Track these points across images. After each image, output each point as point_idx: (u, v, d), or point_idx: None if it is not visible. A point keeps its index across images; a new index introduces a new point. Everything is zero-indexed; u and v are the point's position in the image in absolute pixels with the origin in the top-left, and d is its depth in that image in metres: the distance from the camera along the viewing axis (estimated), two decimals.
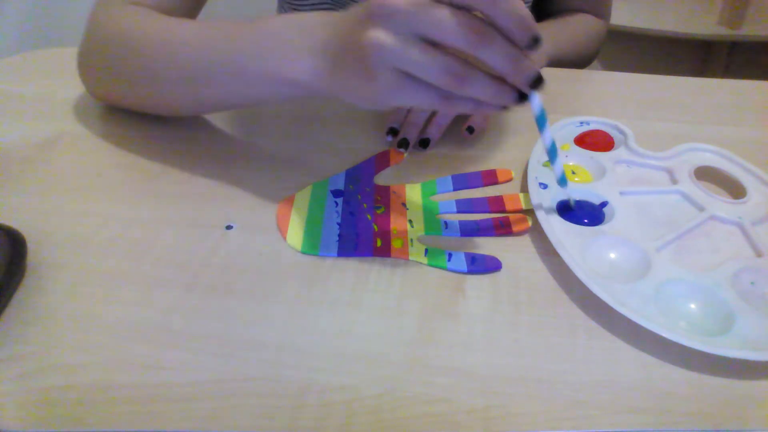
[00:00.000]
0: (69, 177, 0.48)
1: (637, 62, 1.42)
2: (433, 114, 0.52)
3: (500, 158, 0.51)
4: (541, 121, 0.38)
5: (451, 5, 0.32)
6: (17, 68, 0.64)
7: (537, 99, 0.36)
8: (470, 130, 0.52)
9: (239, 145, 0.52)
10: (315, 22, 0.39)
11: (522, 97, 0.35)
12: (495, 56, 0.33)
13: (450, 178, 0.49)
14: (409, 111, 0.53)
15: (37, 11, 1.18)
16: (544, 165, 0.49)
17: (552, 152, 0.41)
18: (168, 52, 0.46)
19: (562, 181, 0.43)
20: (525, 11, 0.32)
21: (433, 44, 0.33)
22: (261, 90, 0.43)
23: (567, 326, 0.37)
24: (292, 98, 0.43)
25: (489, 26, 0.33)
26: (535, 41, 0.33)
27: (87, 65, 0.52)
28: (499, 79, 0.35)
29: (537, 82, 0.35)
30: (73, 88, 0.59)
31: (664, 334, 0.35)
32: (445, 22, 0.32)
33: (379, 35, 0.33)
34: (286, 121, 0.55)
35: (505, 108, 0.36)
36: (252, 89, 0.43)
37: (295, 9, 0.69)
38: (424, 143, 0.51)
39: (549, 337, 0.37)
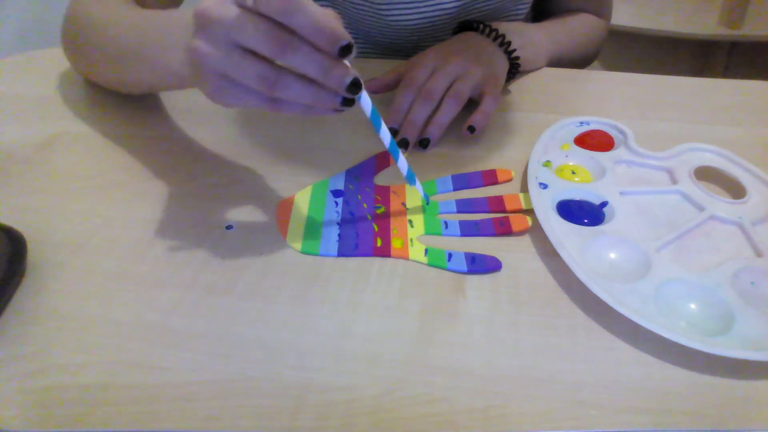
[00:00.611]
0: (69, 177, 0.48)
1: (637, 62, 1.42)
2: (434, 114, 0.52)
3: (500, 158, 0.51)
4: (375, 122, 0.40)
5: (259, 15, 0.34)
6: (17, 68, 0.64)
7: (366, 100, 0.38)
8: (471, 129, 0.52)
9: (239, 145, 0.52)
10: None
11: (347, 101, 0.37)
12: (300, 64, 0.35)
13: (450, 178, 0.49)
14: (408, 111, 0.53)
15: (37, 11, 1.18)
16: (544, 165, 0.49)
17: (393, 151, 0.42)
18: (101, 33, 0.50)
19: (410, 179, 0.43)
20: (325, 21, 0.34)
21: (252, 51, 0.35)
22: (156, 75, 0.45)
23: (567, 326, 0.37)
24: (181, 87, 0.44)
25: (292, 35, 0.34)
26: (345, 49, 0.35)
27: (63, 44, 0.58)
28: (318, 83, 0.36)
29: (353, 87, 0.36)
30: (73, 88, 0.59)
31: (663, 334, 0.35)
32: (248, 30, 0.34)
33: (199, 45, 0.36)
34: (286, 121, 0.55)
35: (337, 111, 0.38)
36: (150, 74, 0.46)
37: None
38: (423, 143, 0.51)
39: (549, 337, 0.37)
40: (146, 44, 0.44)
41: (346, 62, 0.36)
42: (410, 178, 0.44)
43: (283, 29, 0.34)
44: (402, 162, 0.43)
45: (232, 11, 0.35)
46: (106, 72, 0.53)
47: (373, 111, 0.39)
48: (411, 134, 0.52)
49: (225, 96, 0.37)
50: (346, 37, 0.35)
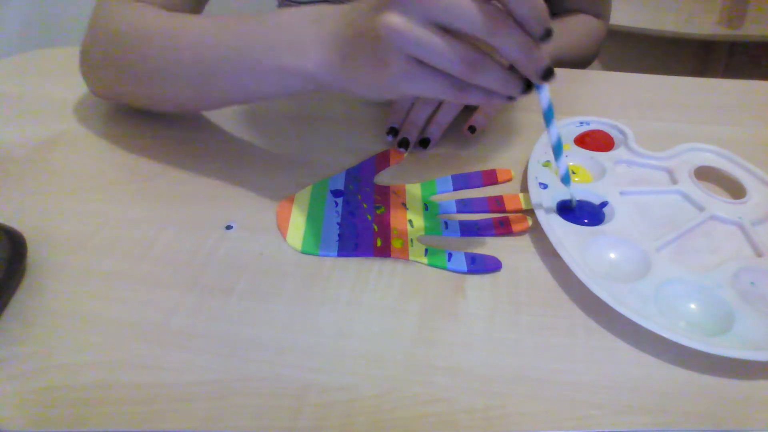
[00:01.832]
0: (69, 177, 0.48)
1: (637, 62, 1.42)
2: (434, 113, 0.52)
3: (500, 158, 0.51)
4: (548, 115, 0.38)
5: None
6: (17, 68, 0.64)
7: (546, 92, 0.37)
8: (472, 129, 0.52)
9: (239, 145, 0.52)
10: (325, 14, 0.39)
11: (528, 87, 0.36)
12: (509, 45, 0.33)
13: (450, 177, 0.49)
14: (409, 110, 0.52)
15: (37, 11, 1.18)
16: (544, 165, 0.49)
17: (557, 149, 0.41)
18: (175, 48, 0.45)
19: (566, 179, 0.43)
20: (541, 3, 0.33)
21: (448, 32, 0.33)
22: (271, 84, 0.42)
23: (567, 326, 0.37)
24: (301, 92, 0.43)
25: (505, 14, 0.33)
26: (548, 33, 0.33)
27: (89, 62, 0.52)
28: (510, 69, 0.35)
29: (548, 73, 0.35)
30: (73, 88, 0.59)
31: (663, 334, 0.35)
32: (461, 8, 0.32)
33: (395, 20, 0.33)
34: (286, 121, 0.55)
35: (511, 99, 0.36)
36: (261, 83, 0.43)
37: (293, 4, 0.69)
38: (424, 143, 0.51)
39: (549, 337, 0.37)
40: (266, 49, 0.41)
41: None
42: (566, 179, 0.43)
43: (495, 8, 0.33)
44: (562, 162, 0.42)
45: None
46: (174, 89, 0.47)
47: (549, 104, 0.38)
48: (412, 134, 0.52)
49: (411, 80, 0.35)
50: (550, 21, 0.33)
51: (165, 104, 0.51)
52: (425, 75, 0.34)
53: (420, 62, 0.34)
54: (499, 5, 0.33)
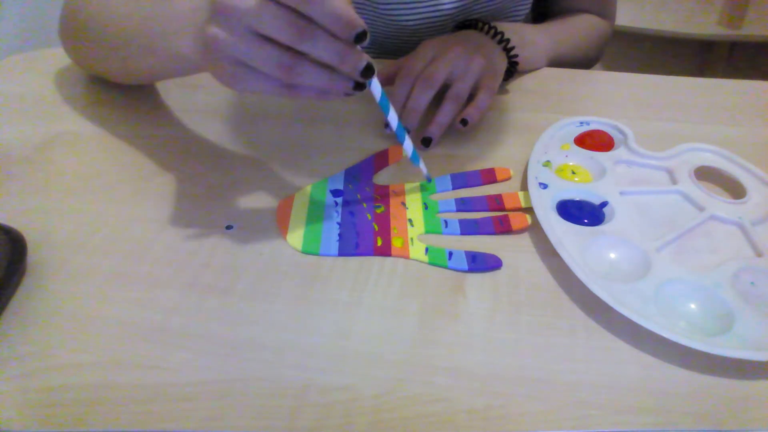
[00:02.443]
0: (69, 177, 0.48)
1: (637, 62, 1.42)
2: (434, 112, 0.52)
3: (500, 157, 0.51)
4: (384, 106, 0.42)
5: (278, 3, 0.35)
6: (17, 68, 0.64)
7: (376, 85, 0.40)
8: (464, 122, 0.52)
9: (239, 145, 0.52)
10: (201, 6, 0.41)
11: (358, 85, 0.39)
12: (317, 50, 0.36)
13: (449, 176, 0.49)
14: (407, 99, 0.52)
15: (37, 11, 1.17)
16: (544, 165, 0.49)
17: (400, 133, 0.44)
18: (104, 21, 0.50)
19: (414, 158, 0.45)
20: (343, 10, 0.35)
21: (269, 38, 0.36)
22: (163, 61, 0.46)
23: (567, 326, 0.37)
24: (191, 72, 0.45)
25: (310, 23, 0.35)
26: (360, 36, 0.36)
27: (62, 35, 0.57)
28: (331, 68, 0.37)
29: (366, 71, 0.38)
30: (73, 88, 0.59)
31: (664, 334, 0.35)
32: (267, 18, 0.35)
33: (215, 31, 0.36)
34: (285, 121, 0.55)
35: (350, 94, 0.39)
36: (156, 60, 0.46)
37: None
38: (425, 142, 0.51)
39: (549, 337, 0.37)
40: (152, 31, 0.45)
41: (359, 48, 0.37)
42: (414, 158, 0.46)
43: (301, 17, 0.35)
44: (408, 144, 0.45)
45: (251, 0, 0.35)
46: (109, 63, 0.53)
47: (382, 95, 0.41)
48: (411, 121, 0.51)
49: (240, 82, 0.38)
50: (361, 24, 0.36)
51: (109, 76, 0.56)
52: (251, 77, 0.37)
53: (246, 65, 0.37)
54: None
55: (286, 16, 0.35)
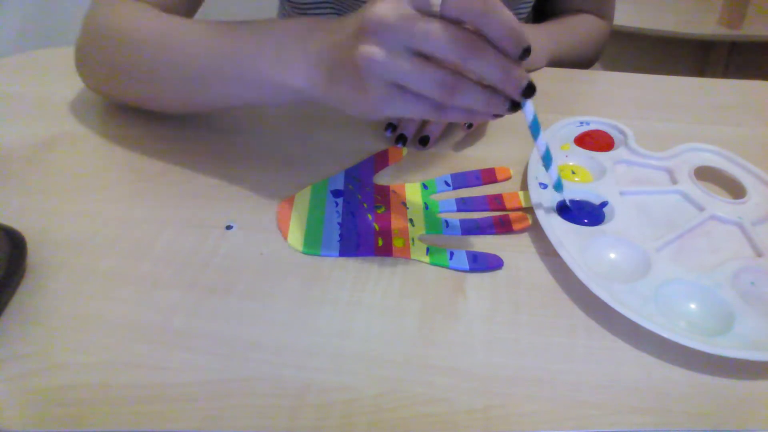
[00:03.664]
0: (69, 177, 0.48)
1: (637, 62, 1.42)
2: None
3: (500, 157, 0.51)
4: (534, 129, 0.39)
5: (442, 18, 0.33)
6: (17, 68, 0.64)
7: (530, 107, 0.37)
8: (468, 125, 0.52)
9: (239, 145, 0.52)
10: (312, 30, 0.40)
11: (514, 106, 0.36)
12: (486, 67, 0.34)
13: (450, 176, 0.49)
14: None
15: (37, 11, 1.18)
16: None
17: (547, 159, 0.41)
18: (166, 50, 0.46)
19: (558, 186, 0.43)
20: (515, 22, 0.33)
21: (426, 56, 0.34)
22: (259, 93, 0.43)
23: (567, 326, 0.37)
24: (290, 102, 0.44)
25: (479, 38, 0.33)
26: (526, 52, 0.34)
27: (84, 59, 0.52)
28: (490, 88, 0.35)
29: (528, 90, 0.35)
30: (73, 88, 0.59)
31: (664, 334, 0.35)
32: (434, 35, 0.33)
33: (371, 50, 0.34)
34: (285, 121, 0.55)
35: (497, 116, 0.37)
36: (249, 92, 0.44)
37: (295, 7, 0.69)
38: (424, 141, 0.51)
39: (549, 337, 0.37)
40: (254, 60, 0.41)
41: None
42: (546, 159, 0.42)
43: (468, 32, 0.33)
44: (553, 170, 0.42)
45: (411, 16, 0.33)
46: (162, 91, 0.48)
47: (534, 117, 0.38)
48: (409, 129, 0.51)
49: (391, 104, 0.36)
50: (528, 39, 0.34)
51: (154, 104, 0.52)
52: (405, 99, 0.35)
53: (400, 87, 0.35)
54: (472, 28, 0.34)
55: (452, 32, 0.33)
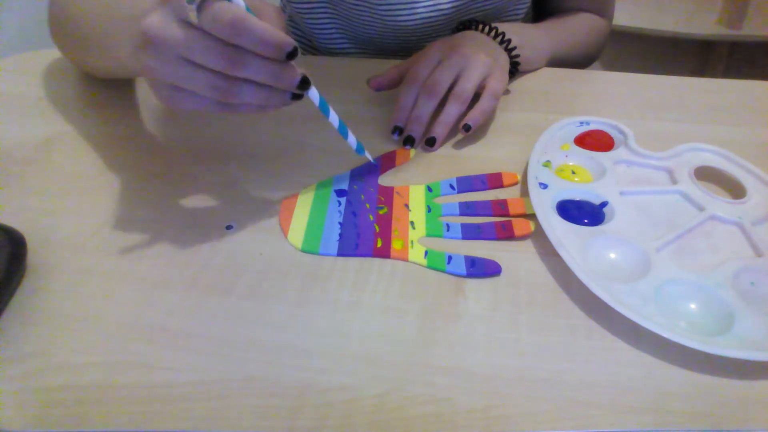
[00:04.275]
0: (69, 177, 0.48)
1: (637, 62, 1.42)
2: (438, 112, 0.52)
3: (500, 157, 0.51)
4: (324, 109, 0.43)
5: (206, 33, 0.35)
6: (17, 68, 0.64)
7: (314, 92, 0.41)
8: (466, 127, 0.51)
9: (239, 145, 0.52)
10: (137, 16, 0.41)
11: (296, 96, 0.40)
12: (252, 74, 0.37)
13: (455, 180, 0.48)
14: (412, 107, 0.52)
15: (37, 11, 1.17)
16: (544, 165, 0.49)
17: (342, 131, 0.45)
18: (70, 20, 0.51)
19: (360, 150, 0.47)
20: (270, 34, 0.35)
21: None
22: (118, 63, 0.46)
23: (567, 326, 0.37)
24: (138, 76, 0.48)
25: (239, 50, 0.36)
26: (291, 54, 0.37)
27: (51, 29, 0.57)
28: (269, 86, 0.38)
29: (303, 84, 0.39)
30: (73, 88, 0.59)
31: (664, 334, 0.35)
32: (199, 49, 0.35)
33: (147, 60, 0.36)
34: (286, 120, 0.55)
35: (287, 104, 0.40)
36: (115, 61, 0.47)
37: (295, 7, 0.69)
38: (430, 142, 0.51)
39: (549, 337, 0.37)
40: (104, 33, 0.46)
41: (292, 64, 0.38)
42: (360, 150, 0.47)
43: (231, 45, 0.35)
44: (351, 139, 0.46)
45: (177, 30, 0.35)
46: (85, 57, 0.54)
47: (321, 100, 0.42)
48: (416, 130, 0.52)
49: (177, 102, 0.38)
50: (291, 42, 0.36)
51: (94, 71, 0.56)
52: (188, 98, 0.38)
53: (180, 88, 0.37)
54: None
55: (215, 46, 0.35)
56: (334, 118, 0.44)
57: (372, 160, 0.49)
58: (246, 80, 0.37)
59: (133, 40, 0.38)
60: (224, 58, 0.36)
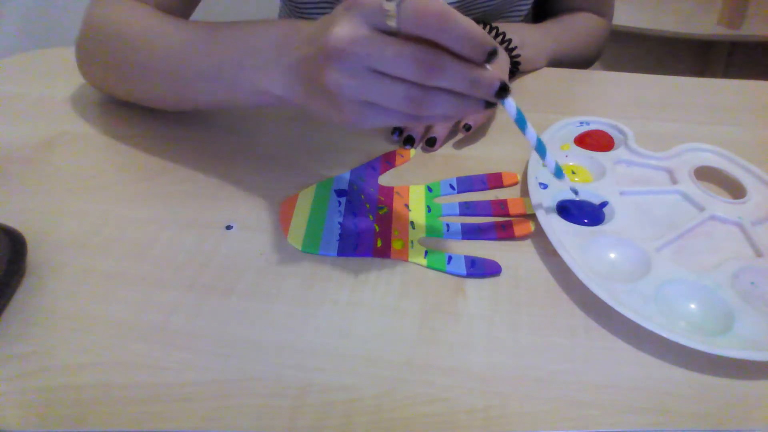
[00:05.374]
0: (69, 177, 0.48)
1: (637, 62, 1.42)
2: None
3: (500, 157, 0.51)
4: (520, 123, 0.39)
5: (400, 36, 0.33)
6: (17, 68, 0.64)
7: (510, 103, 0.37)
8: (467, 127, 0.52)
9: (240, 144, 0.52)
10: (288, 38, 0.40)
11: (490, 104, 0.36)
12: (449, 81, 0.34)
13: (455, 180, 0.48)
14: None
15: (37, 11, 1.18)
16: (544, 165, 0.49)
17: (540, 149, 0.41)
18: (154, 49, 0.47)
19: (558, 173, 0.42)
20: (474, 29, 0.32)
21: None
22: (240, 95, 0.44)
23: (567, 326, 0.37)
24: (273, 105, 0.44)
25: (439, 52, 0.33)
26: (491, 55, 0.33)
27: (82, 56, 0.54)
28: (464, 94, 0.35)
29: (501, 92, 0.35)
30: (73, 88, 0.59)
31: (664, 334, 0.35)
32: (392, 57, 0.33)
33: (337, 77, 0.34)
34: (287, 120, 0.55)
35: (478, 113, 0.37)
36: (231, 94, 0.44)
37: (296, 8, 0.69)
38: (431, 142, 0.51)
39: (549, 337, 0.37)
40: (233, 64, 0.42)
41: (489, 68, 0.34)
42: (540, 149, 0.41)
43: (426, 48, 0.33)
44: (549, 161, 0.42)
45: (369, 39, 0.33)
46: (153, 89, 0.50)
47: (518, 112, 0.38)
48: (417, 130, 0.52)
49: (367, 120, 0.36)
50: (492, 41, 0.33)
51: (145, 101, 0.53)
52: (378, 113, 0.36)
53: (372, 103, 0.35)
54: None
55: (409, 51, 0.33)
56: (531, 136, 0.39)
57: (570, 187, 0.44)
58: (440, 89, 0.34)
59: (284, 66, 0.36)
60: (421, 66, 0.33)
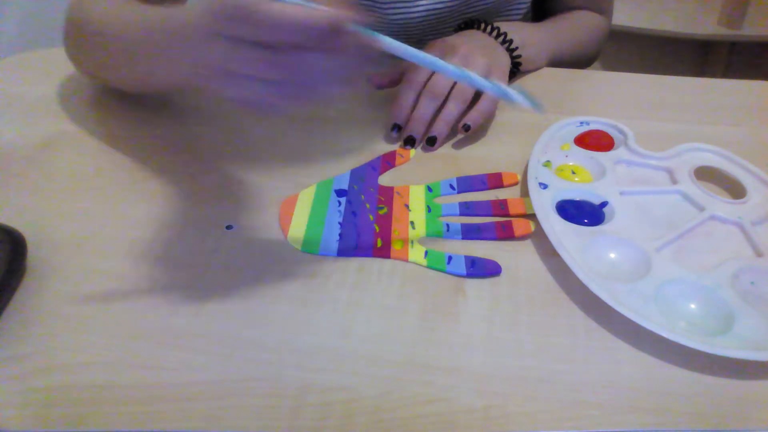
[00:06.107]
0: (69, 177, 0.48)
1: (637, 62, 1.42)
2: (440, 111, 0.52)
3: (500, 157, 0.51)
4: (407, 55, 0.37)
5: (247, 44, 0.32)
6: (17, 68, 0.64)
7: (389, 42, 0.35)
8: (466, 127, 0.52)
9: (240, 145, 0.52)
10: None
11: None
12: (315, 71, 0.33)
13: (455, 180, 0.48)
14: (414, 106, 0.52)
15: (37, 11, 1.17)
16: (545, 165, 0.49)
17: (499, 92, 0.39)
18: (105, 32, 0.49)
19: (537, 106, 0.39)
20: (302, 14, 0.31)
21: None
22: (171, 75, 0.43)
23: (567, 326, 0.37)
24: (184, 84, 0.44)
25: (285, 54, 0.32)
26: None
27: (66, 43, 0.56)
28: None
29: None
30: (73, 88, 0.59)
31: (664, 334, 0.35)
32: (247, 64, 0.32)
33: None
34: (287, 120, 0.55)
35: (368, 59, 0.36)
36: (162, 73, 0.44)
37: None
38: (431, 141, 0.51)
39: (549, 337, 0.37)
40: (153, 44, 0.43)
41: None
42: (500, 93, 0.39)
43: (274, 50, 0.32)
44: (515, 95, 0.39)
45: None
46: (114, 71, 0.52)
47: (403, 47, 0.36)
48: (418, 130, 0.52)
49: (220, 87, 0.35)
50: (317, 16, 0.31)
51: (114, 81, 0.54)
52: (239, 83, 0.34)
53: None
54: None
55: (259, 56, 0.32)
56: (481, 82, 0.38)
57: (527, 103, 0.39)
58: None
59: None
60: (271, 68, 0.32)
